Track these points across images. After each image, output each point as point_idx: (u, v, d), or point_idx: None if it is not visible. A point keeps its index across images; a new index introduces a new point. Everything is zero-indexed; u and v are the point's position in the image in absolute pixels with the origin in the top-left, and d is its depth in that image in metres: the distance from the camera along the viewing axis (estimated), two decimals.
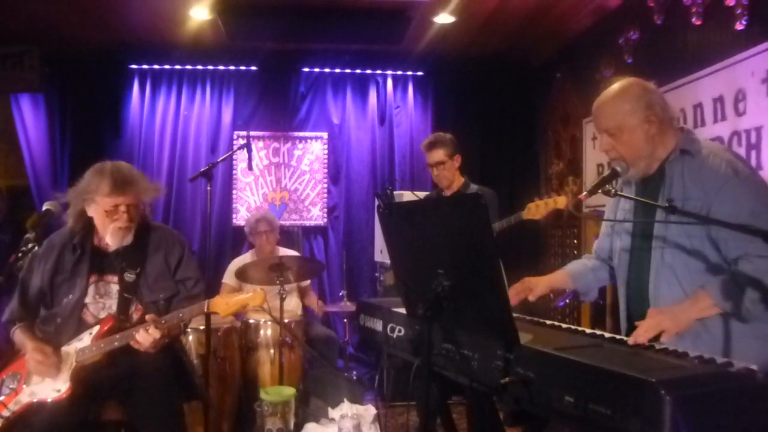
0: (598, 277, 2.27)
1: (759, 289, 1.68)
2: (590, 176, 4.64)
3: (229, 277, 4.35)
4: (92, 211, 2.52)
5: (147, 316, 2.39)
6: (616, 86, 1.99)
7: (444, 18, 4.52)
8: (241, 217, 5.46)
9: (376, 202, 4.65)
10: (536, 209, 3.23)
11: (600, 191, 1.90)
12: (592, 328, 1.98)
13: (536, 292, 2.14)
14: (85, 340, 2.43)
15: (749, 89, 3.01)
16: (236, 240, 5.41)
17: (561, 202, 3.21)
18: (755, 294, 1.68)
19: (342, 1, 4.37)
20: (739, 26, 3.07)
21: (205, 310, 2.46)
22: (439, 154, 3.58)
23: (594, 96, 2.07)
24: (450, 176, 3.61)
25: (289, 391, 2.65)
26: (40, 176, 5.32)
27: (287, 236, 5.45)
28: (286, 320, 3.67)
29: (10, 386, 2.43)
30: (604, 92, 2.00)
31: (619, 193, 1.90)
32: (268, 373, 3.73)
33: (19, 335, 2.49)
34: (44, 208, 2.29)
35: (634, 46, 4.07)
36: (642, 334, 1.68)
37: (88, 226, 2.58)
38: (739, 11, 3.07)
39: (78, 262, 2.54)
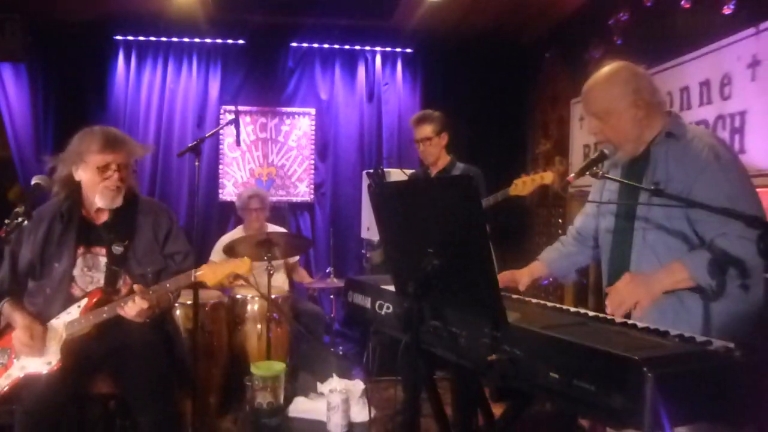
0: (572, 261, 2.36)
1: (733, 265, 1.73)
2: (577, 156, 4.68)
3: (216, 254, 4.35)
4: (81, 174, 2.50)
5: (135, 286, 2.40)
6: (605, 70, 2.02)
7: None
8: (227, 192, 5.44)
9: (367, 181, 4.66)
10: (523, 185, 3.26)
11: (587, 173, 1.95)
12: (576, 306, 2.04)
13: (523, 282, 2.24)
14: (74, 312, 2.44)
15: (735, 73, 3.05)
16: (222, 215, 5.40)
17: (548, 177, 3.23)
18: (729, 269, 1.74)
19: None
20: (727, 11, 3.10)
21: (192, 279, 2.47)
22: (426, 130, 3.59)
23: (583, 76, 2.10)
24: (435, 153, 3.62)
25: (279, 366, 2.69)
26: (23, 147, 5.23)
27: (274, 212, 5.45)
28: (273, 296, 3.69)
29: (1, 361, 2.44)
30: (594, 76, 2.03)
31: (605, 175, 1.94)
32: (256, 348, 3.77)
33: (7, 309, 2.48)
34: (33, 182, 2.27)
35: (623, 28, 4.08)
36: (617, 308, 1.74)
37: (75, 194, 2.56)
38: None
39: (65, 231, 2.52)
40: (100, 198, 2.50)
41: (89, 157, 2.45)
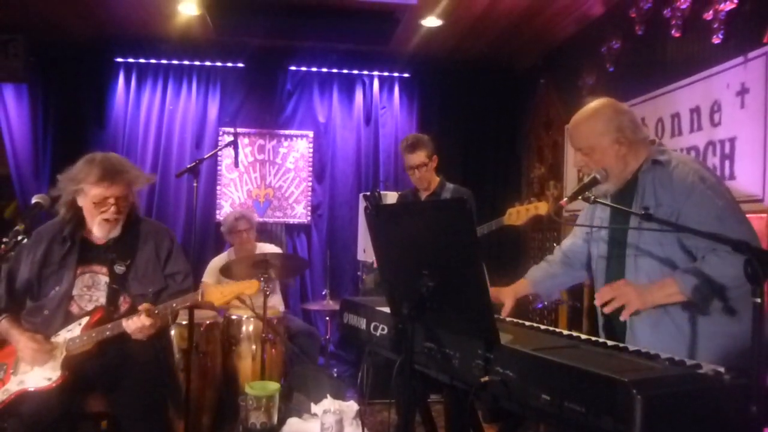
0: (557, 282, 2.43)
1: (721, 281, 1.77)
2: (571, 181, 4.74)
3: (208, 276, 4.36)
4: (81, 201, 2.53)
5: (140, 307, 2.41)
6: (589, 107, 2.10)
7: (431, 21, 4.58)
8: (224, 212, 5.46)
9: (363, 204, 4.70)
10: (517, 215, 3.26)
11: (580, 197, 1.99)
12: (569, 329, 2.06)
13: (507, 306, 2.24)
14: (75, 330, 2.45)
15: (724, 101, 3.11)
16: (219, 235, 5.39)
17: (542, 208, 3.22)
18: (717, 285, 1.78)
19: (331, 1, 4.40)
20: (716, 40, 3.17)
21: (200, 299, 2.48)
22: (420, 157, 3.58)
23: (577, 102, 2.17)
24: (430, 177, 3.64)
25: (273, 386, 2.68)
26: (22, 166, 5.26)
27: (270, 233, 5.47)
28: (268, 317, 3.70)
29: None
30: (578, 113, 2.12)
31: (597, 200, 1.98)
32: (250, 368, 3.76)
33: (4, 325, 2.49)
34: (33, 201, 2.29)
35: (615, 55, 4.17)
36: (607, 298, 1.80)
37: (78, 217, 2.58)
38: (716, 25, 3.17)
39: (67, 254, 2.55)
40: (97, 229, 2.53)
41: (87, 188, 2.47)
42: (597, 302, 1.84)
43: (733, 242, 1.49)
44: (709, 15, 3.21)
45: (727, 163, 3.09)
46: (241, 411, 2.61)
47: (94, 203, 2.48)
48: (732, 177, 3.04)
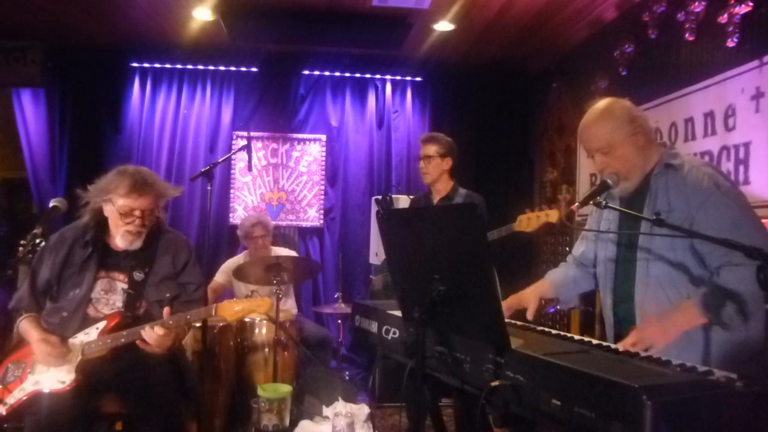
0: (578, 286, 2.37)
1: (740, 298, 1.75)
2: (583, 185, 4.72)
3: (220, 275, 4.39)
4: (108, 211, 2.57)
5: (166, 310, 2.44)
6: (597, 108, 2.07)
7: (444, 26, 4.59)
8: (238, 216, 5.50)
9: (375, 208, 4.71)
10: (528, 222, 3.24)
11: (591, 202, 1.98)
12: (582, 334, 2.05)
13: (531, 308, 2.20)
14: (92, 334, 2.49)
15: (739, 105, 3.09)
16: (232, 238, 5.45)
17: (553, 216, 3.17)
18: (737, 303, 1.75)
19: (343, 6, 4.43)
20: (731, 43, 3.15)
21: (214, 314, 2.51)
22: (430, 149, 3.61)
23: (589, 107, 2.14)
24: (433, 173, 3.62)
25: (285, 389, 2.70)
26: (39, 170, 5.35)
27: (283, 237, 5.50)
28: (281, 320, 3.72)
29: (15, 374, 2.49)
30: (587, 115, 2.08)
31: (609, 205, 1.97)
32: (263, 371, 3.78)
33: (24, 325, 2.54)
34: (51, 204, 2.34)
35: (628, 59, 4.15)
36: (630, 347, 1.75)
37: (101, 223, 2.63)
38: (730, 29, 3.15)
39: (88, 258, 2.59)
40: (120, 239, 2.58)
41: (115, 199, 2.52)
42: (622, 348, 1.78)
43: (746, 248, 1.49)
44: (723, 18, 3.18)
45: (741, 168, 3.07)
46: (254, 413, 2.64)
47: (120, 214, 2.53)
48: (746, 182, 3.01)
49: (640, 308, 2.00)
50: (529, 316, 2.19)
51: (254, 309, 2.51)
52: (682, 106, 3.52)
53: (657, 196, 1.98)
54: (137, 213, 2.53)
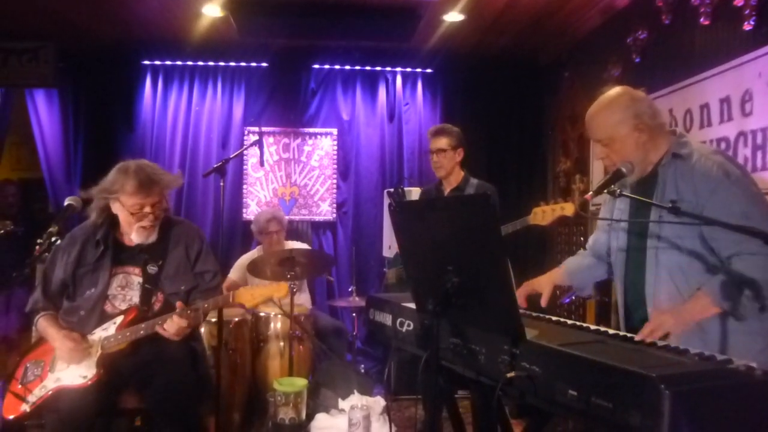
0: (593, 274, 2.38)
1: (752, 287, 1.73)
2: (597, 175, 4.67)
3: (235, 272, 4.41)
4: (117, 209, 2.59)
5: (178, 304, 2.47)
6: (605, 97, 2.08)
7: (453, 16, 4.56)
8: (251, 211, 5.52)
9: (387, 200, 4.70)
10: (543, 215, 3.24)
11: (605, 191, 1.97)
12: (597, 324, 2.04)
13: (545, 295, 2.21)
14: (110, 329, 2.51)
15: (756, 90, 3.03)
16: (246, 234, 5.47)
17: (568, 209, 3.18)
18: (750, 292, 1.74)
19: None
20: (747, 27, 3.09)
21: (231, 301, 2.52)
22: (441, 142, 3.62)
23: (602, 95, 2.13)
24: (447, 166, 3.63)
25: (301, 382, 2.72)
26: (54, 169, 5.40)
27: (296, 231, 5.52)
28: (295, 314, 3.73)
29: (35, 372, 2.52)
30: (594, 104, 2.10)
31: (623, 193, 1.95)
32: (278, 365, 3.81)
33: (42, 324, 2.57)
34: (66, 203, 2.36)
35: (642, 46, 4.09)
36: (648, 335, 1.74)
37: (110, 221, 2.65)
38: (747, 12, 3.08)
39: (101, 257, 2.61)
40: (135, 236, 2.60)
41: (123, 198, 2.53)
42: (639, 338, 1.78)
43: (765, 235, 1.46)
44: (739, 1, 3.12)
45: (759, 153, 3.01)
46: (270, 407, 2.66)
47: (131, 213, 2.54)
48: (765, 168, 2.96)
49: (650, 297, 1.99)
50: (543, 303, 2.20)
51: (272, 294, 2.53)
52: (698, 92, 3.47)
53: (666, 186, 1.97)
54: (147, 209, 2.55)
